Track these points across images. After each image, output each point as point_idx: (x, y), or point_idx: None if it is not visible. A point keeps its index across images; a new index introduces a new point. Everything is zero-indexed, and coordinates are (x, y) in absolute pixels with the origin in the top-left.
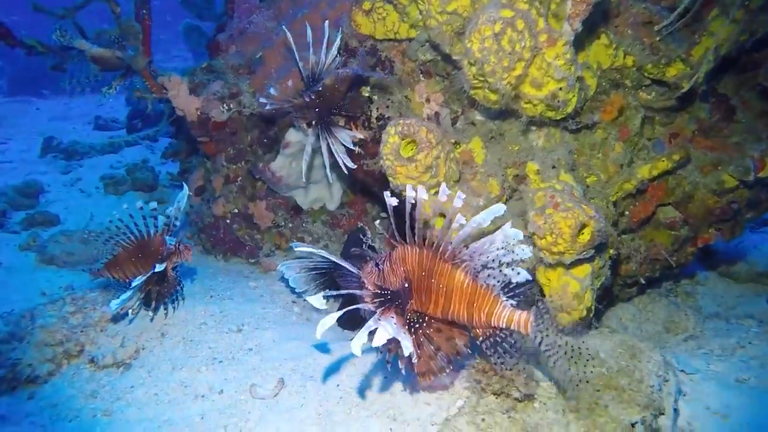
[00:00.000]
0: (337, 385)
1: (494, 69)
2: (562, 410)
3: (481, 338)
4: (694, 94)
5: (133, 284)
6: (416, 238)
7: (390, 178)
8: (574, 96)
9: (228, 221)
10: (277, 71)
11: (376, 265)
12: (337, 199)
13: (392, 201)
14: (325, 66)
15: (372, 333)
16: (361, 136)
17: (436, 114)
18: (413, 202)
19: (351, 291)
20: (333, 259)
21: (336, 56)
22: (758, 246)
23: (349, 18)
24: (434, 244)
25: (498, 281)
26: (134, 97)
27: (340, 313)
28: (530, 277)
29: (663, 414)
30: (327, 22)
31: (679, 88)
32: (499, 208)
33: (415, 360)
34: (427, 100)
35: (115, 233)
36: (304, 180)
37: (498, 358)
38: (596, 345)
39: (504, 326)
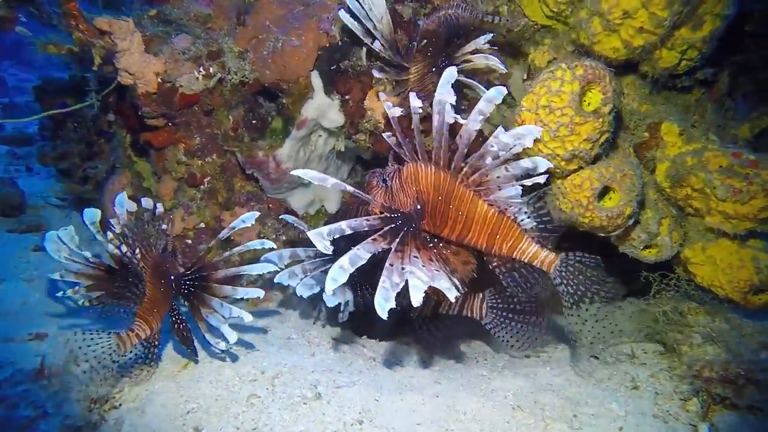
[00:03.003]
0: None
1: None
2: None
3: (494, 264)
4: None
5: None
6: (434, 156)
7: (555, 143)
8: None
9: (190, 241)
10: (277, 23)
11: (384, 180)
12: (338, 197)
13: (395, 111)
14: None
15: (395, 286)
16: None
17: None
18: (420, 111)
19: (355, 221)
20: (333, 182)
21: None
22: None
23: None
24: (453, 166)
25: (526, 215)
26: (52, 51)
27: (350, 254)
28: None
29: None
30: None
31: None
32: (536, 129)
33: (456, 295)
34: None
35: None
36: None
37: (511, 284)
38: None
39: (526, 261)
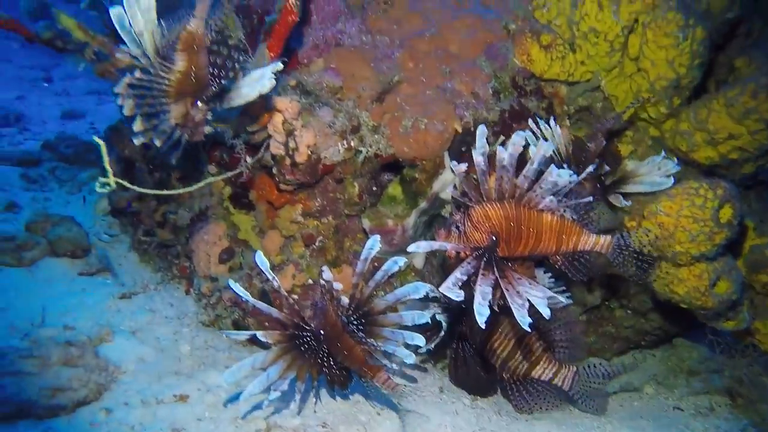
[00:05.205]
0: None
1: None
2: None
3: (559, 262)
4: None
5: None
6: (496, 194)
7: (691, 245)
8: None
9: (296, 297)
10: (408, 102)
11: (456, 227)
12: (423, 256)
13: (461, 167)
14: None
15: (523, 306)
16: None
17: None
18: (482, 165)
19: (462, 268)
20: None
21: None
22: None
23: (515, 49)
24: (515, 196)
25: (576, 214)
26: (222, 126)
27: (479, 293)
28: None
29: None
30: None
31: None
32: (550, 146)
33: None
34: None
35: None
36: None
37: (573, 272)
38: None
39: (588, 249)
